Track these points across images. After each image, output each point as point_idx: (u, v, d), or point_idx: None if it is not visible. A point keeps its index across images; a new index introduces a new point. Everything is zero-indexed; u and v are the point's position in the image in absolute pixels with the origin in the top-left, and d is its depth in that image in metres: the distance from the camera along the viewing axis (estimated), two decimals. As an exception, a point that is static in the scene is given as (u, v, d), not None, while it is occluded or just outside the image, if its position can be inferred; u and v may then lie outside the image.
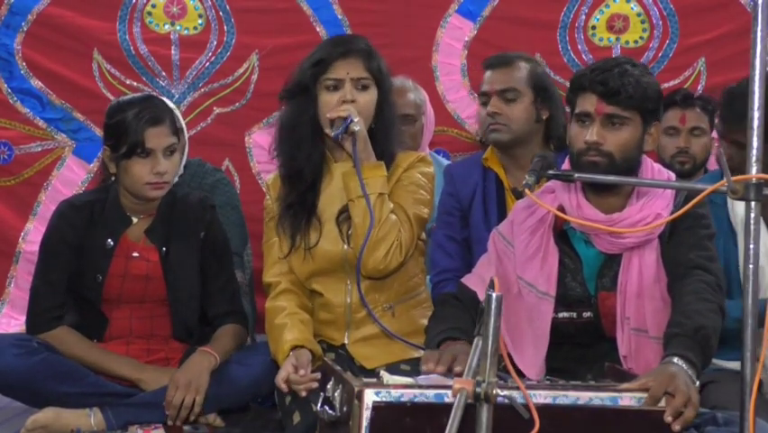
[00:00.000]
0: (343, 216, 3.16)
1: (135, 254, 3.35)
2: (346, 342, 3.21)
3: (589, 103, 2.73)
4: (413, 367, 3.02)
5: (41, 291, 3.35)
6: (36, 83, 4.80)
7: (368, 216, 3.04)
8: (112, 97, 4.69)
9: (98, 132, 4.67)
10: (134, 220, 3.37)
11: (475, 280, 2.90)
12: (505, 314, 1.95)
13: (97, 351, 3.32)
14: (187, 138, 4.02)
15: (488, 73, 3.63)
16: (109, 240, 3.33)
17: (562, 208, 2.78)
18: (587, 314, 2.79)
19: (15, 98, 4.82)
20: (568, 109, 2.88)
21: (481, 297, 2.54)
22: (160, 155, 3.24)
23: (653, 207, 2.74)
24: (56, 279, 3.33)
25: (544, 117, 3.54)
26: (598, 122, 2.72)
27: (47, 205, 4.72)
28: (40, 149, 4.84)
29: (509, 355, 2.47)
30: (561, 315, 2.79)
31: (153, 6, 4.77)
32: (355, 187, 3.07)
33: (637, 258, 2.74)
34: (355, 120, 3.04)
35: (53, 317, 3.33)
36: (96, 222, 3.34)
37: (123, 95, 4.63)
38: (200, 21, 4.82)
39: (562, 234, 2.83)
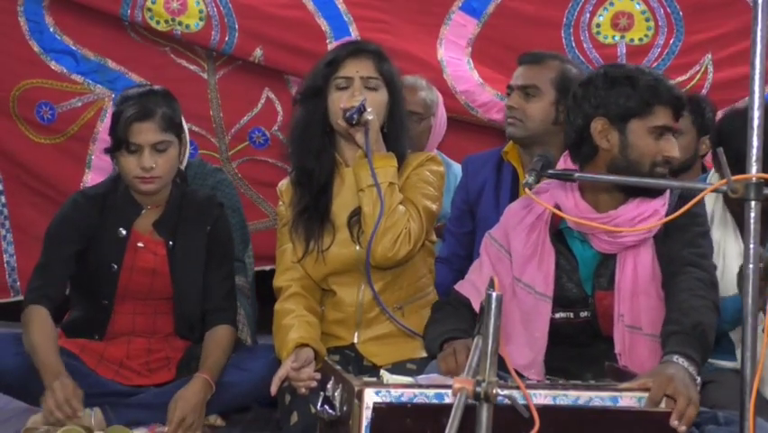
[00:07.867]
0: (355, 218, 3.16)
1: (140, 244, 3.35)
2: (355, 341, 3.21)
3: (666, 117, 2.75)
4: (419, 366, 3.02)
5: (39, 270, 3.32)
6: (67, 40, 4.80)
7: (378, 204, 3.03)
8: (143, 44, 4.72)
9: (136, 78, 4.74)
10: (143, 211, 3.37)
11: (468, 288, 2.90)
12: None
13: (43, 341, 3.18)
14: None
15: (518, 69, 3.61)
16: (121, 229, 3.33)
17: (558, 208, 2.77)
18: (584, 314, 2.79)
19: (49, 57, 4.81)
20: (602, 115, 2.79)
21: (475, 304, 2.53)
22: (147, 151, 3.23)
23: (650, 204, 2.74)
24: (58, 259, 3.30)
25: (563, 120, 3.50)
26: (672, 136, 2.77)
27: (99, 156, 4.74)
28: (80, 104, 4.83)
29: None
30: (558, 315, 2.79)
31: (153, 2, 4.74)
32: (366, 176, 3.07)
33: (633, 256, 2.75)
34: (369, 109, 3.05)
35: (41, 295, 3.26)
36: (108, 213, 3.35)
37: (155, 43, 4.63)
38: (201, 17, 4.81)
39: (558, 233, 2.83)
